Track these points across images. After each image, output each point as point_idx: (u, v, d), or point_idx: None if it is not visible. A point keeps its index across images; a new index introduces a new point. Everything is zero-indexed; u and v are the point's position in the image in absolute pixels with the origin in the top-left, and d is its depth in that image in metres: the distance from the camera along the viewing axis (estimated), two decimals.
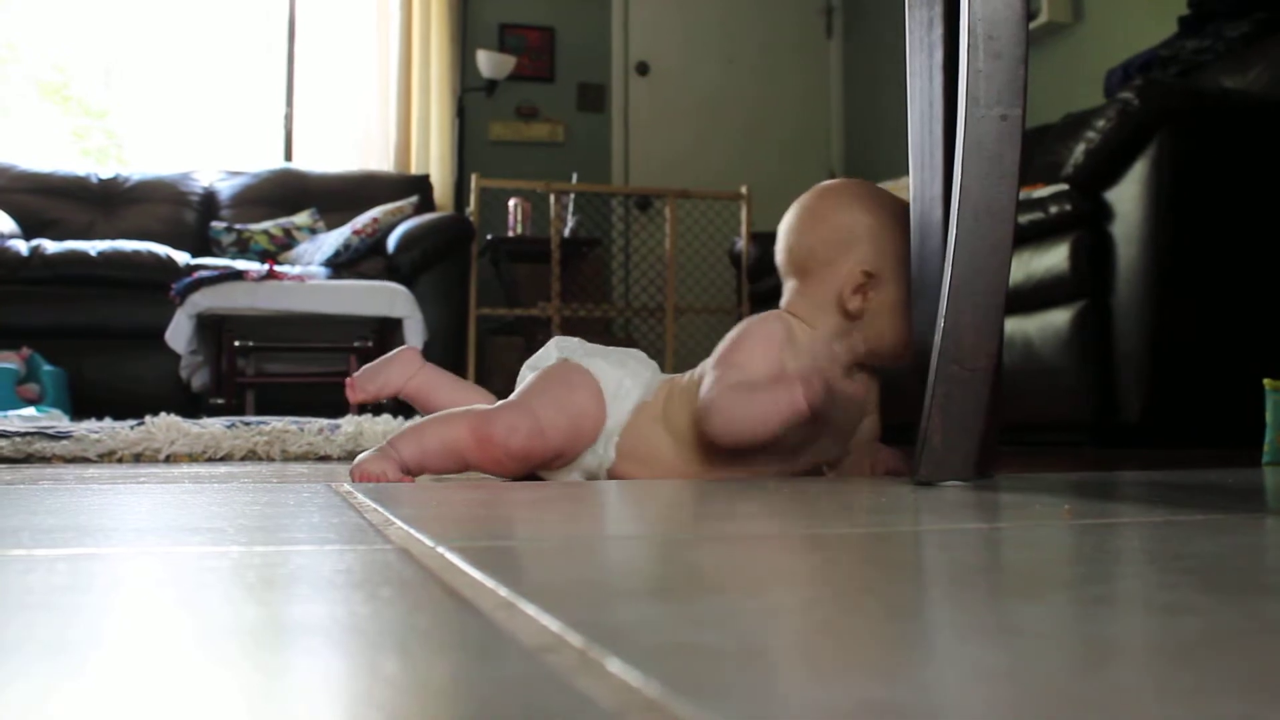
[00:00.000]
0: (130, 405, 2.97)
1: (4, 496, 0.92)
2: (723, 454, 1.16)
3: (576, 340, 1.31)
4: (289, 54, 5.07)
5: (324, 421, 2.11)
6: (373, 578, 0.48)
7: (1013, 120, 1.01)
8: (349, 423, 2.05)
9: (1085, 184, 2.49)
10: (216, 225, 4.38)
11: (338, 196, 4.58)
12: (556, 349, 1.29)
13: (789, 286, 1.24)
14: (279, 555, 0.55)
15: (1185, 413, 2.38)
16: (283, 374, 3.60)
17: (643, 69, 5.39)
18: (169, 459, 1.76)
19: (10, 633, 0.36)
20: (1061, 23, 4.00)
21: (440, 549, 0.55)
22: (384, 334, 3.48)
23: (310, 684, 0.31)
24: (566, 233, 4.47)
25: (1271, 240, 2.36)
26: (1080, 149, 2.49)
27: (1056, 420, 2.57)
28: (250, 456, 1.82)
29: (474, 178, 4.32)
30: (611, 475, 1.21)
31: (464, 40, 5.12)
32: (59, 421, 2.47)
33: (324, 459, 1.82)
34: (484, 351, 4.41)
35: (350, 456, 1.75)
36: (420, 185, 4.75)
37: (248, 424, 2.01)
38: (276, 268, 3.65)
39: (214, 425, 1.95)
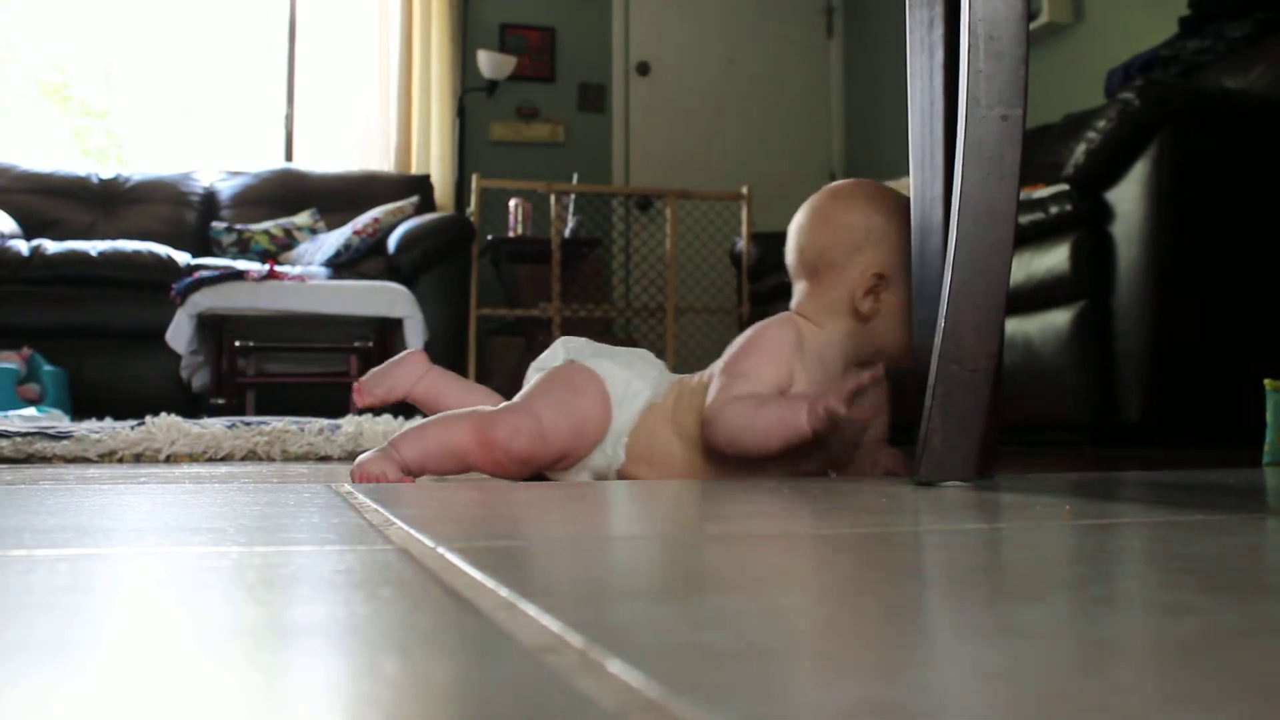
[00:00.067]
0: (131, 405, 2.97)
1: (5, 497, 0.92)
2: (730, 456, 1.16)
3: (583, 340, 1.30)
4: (289, 54, 5.07)
5: (324, 422, 2.11)
6: (373, 578, 0.48)
7: (1013, 120, 1.01)
8: (349, 423, 2.05)
9: (1086, 184, 2.49)
10: (217, 225, 4.38)
11: (338, 196, 4.58)
12: (563, 350, 1.28)
13: (799, 288, 1.24)
14: (279, 555, 0.55)
15: (1186, 413, 2.38)
16: (283, 374, 3.60)
17: (643, 69, 5.39)
18: (169, 459, 1.76)
19: (11, 633, 0.36)
20: (1062, 23, 4.00)
21: (440, 549, 0.55)
22: (384, 334, 3.48)
23: (310, 684, 0.31)
24: (567, 233, 4.48)
25: (1272, 240, 2.36)
26: (1081, 149, 2.49)
27: (1057, 420, 2.57)
28: (251, 457, 1.82)
29: (475, 178, 4.32)
30: (621, 476, 1.21)
31: (464, 40, 5.12)
32: (59, 422, 2.47)
33: (324, 459, 1.82)
34: (484, 352, 4.41)
35: (351, 457, 1.75)
36: (421, 185, 4.75)
37: (248, 424, 2.01)
38: (277, 268, 3.65)
39: (214, 425, 1.95)
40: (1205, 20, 2.94)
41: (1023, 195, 2.26)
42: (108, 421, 2.32)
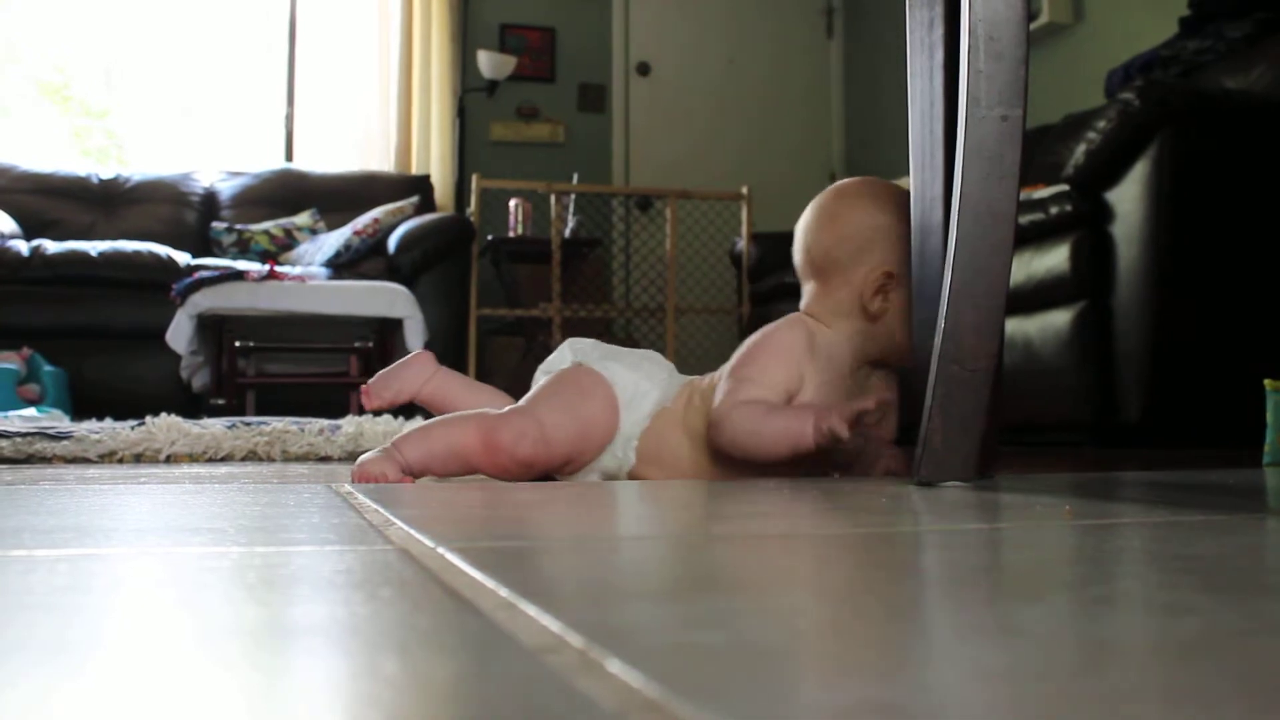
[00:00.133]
0: (131, 405, 2.97)
1: (5, 497, 0.92)
2: (736, 459, 1.16)
3: (590, 342, 1.29)
4: (290, 54, 5.07)
5: (324, 422, 2.11)
6: (373, 578, 0.48)
7: (1013, 121, 1.01)
8: (349, 423, 2.05)
9: (1086, 185, 2.49)
10: (217, 225, 4.39)
11: (338, 197, 4.58)
12: (571, 352, 1.28)
13: (807, 288, 1.24)
14: (279, 556, 0.55)
15: (1185, 413, 2.38)
16: (283, 374, 3.60)
17: (643, 69, 5.39)
18: (169, 459, 1.76)
19: (11, 633, 0.36)
20: (1062, 23, 4.00)
21: (441, 549, 0.55)
22: (384, 334, 3.48)
23: (311, 684, 0.31)
24: (567, 233, 4.48)
25: (1272, 240, 2.36)
26: (1081, 149, 2.49)
27: (1057, 420, 2.57)
28: (251, 457, 1.82)
29: (475, 178, 4.32)
30: (631, 478, 1.21)
31: (464, 40, 5.12)
32: (59, 422, 2.47)
33: (324, 460, 1.82)
34: (484, 352, 4.41)
35: (351, 457, 1.75)
36: (421, 186, 4.75)
37: (248, 424, 2.01)
38: (277, 268, 3.65)
39: (214, 426, 1.95)
40: (1205, 20, 2.94)
41: (1023, 195, 2.26)
42: (108, 422, 2.32)
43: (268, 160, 4.96)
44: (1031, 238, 2.58)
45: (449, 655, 0.33)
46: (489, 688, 0.29)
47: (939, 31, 1.11)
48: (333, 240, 4.19)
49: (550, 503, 0.90)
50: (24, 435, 1.80)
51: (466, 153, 5.01)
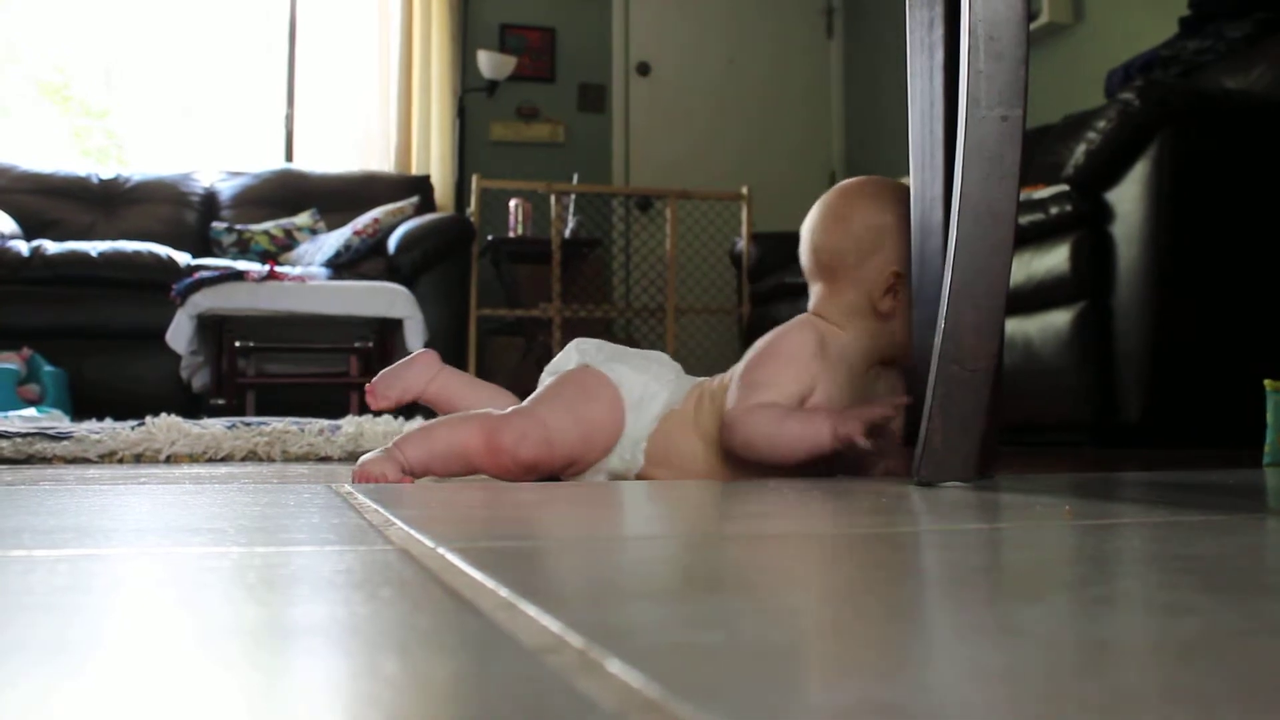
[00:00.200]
0: (131, 406, 2.97)
1: (5, 497, 0.92)
2: (749, 461, 1.16)
3: (596, 343, 1.29)
4: (290, 54, 5.07)
5: (324, 422, 2.11)
6: (373, 578, 0.48)
7: (1013, 121, 1.01)
8: (349, 424, 2.05)
9: (1086, 185, 2.49)
10: (217, 226, 4.39)
11: (338, 197, 4.58)
12: (577, 353, 1.27)
13: (816, 289, 1.23)
14: (279, 556, 0.55)
15: (1185, 413, 2.38)
16: (283, 374, 3.60)
17: (643, 69, 5.39)
18: (169, 460, 1.76)
19: (11, 633, 0.36)
20: (1062, 23, 4.00)
21: (441, 549, 0.55)
22: (384, 335, 3.48)
23: (311, 684, 0.31)
24: (567, 233, 4.48)
25: (1272, 241, 2.36)
26: (1081, 150, 2.49)
27: (1057, 420, 2.57)
28: (251, 457, 1.82)
29: (475, 178, 4.32)
30: (640, 479, 1.21)
31: (464, 40, 5.12)
32: (59, 422, 2.47)
33: (325, 460, 1.82)
34: (484, 352, 4.41)
35: (351, 457, 1.75)
36: (421, 186, 4.75)
37: (248, 425, 2.01)
38: (277, 268, 3.65)
39: (214, 426, 1.95)
40: (1205, 20, 2.94)
41: (1023, 196, 2.26)
42: (108, 422, 2.32)
43: (268, 160, 4.96)
44: (1031, 238, 2.58)
45: (449, 655, 0.33)
46: (489, 688, 0.29)
47: (939, 31, 1.11)
48: (333, 240, 4.19)
49: (550, 503, 0.90)
50: (24, 435, 1.80)
51: (466, 153, 5.01)
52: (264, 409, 3.38)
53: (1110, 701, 0.27)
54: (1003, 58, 1.01)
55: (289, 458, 1.83)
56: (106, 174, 4.57)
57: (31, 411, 2.92)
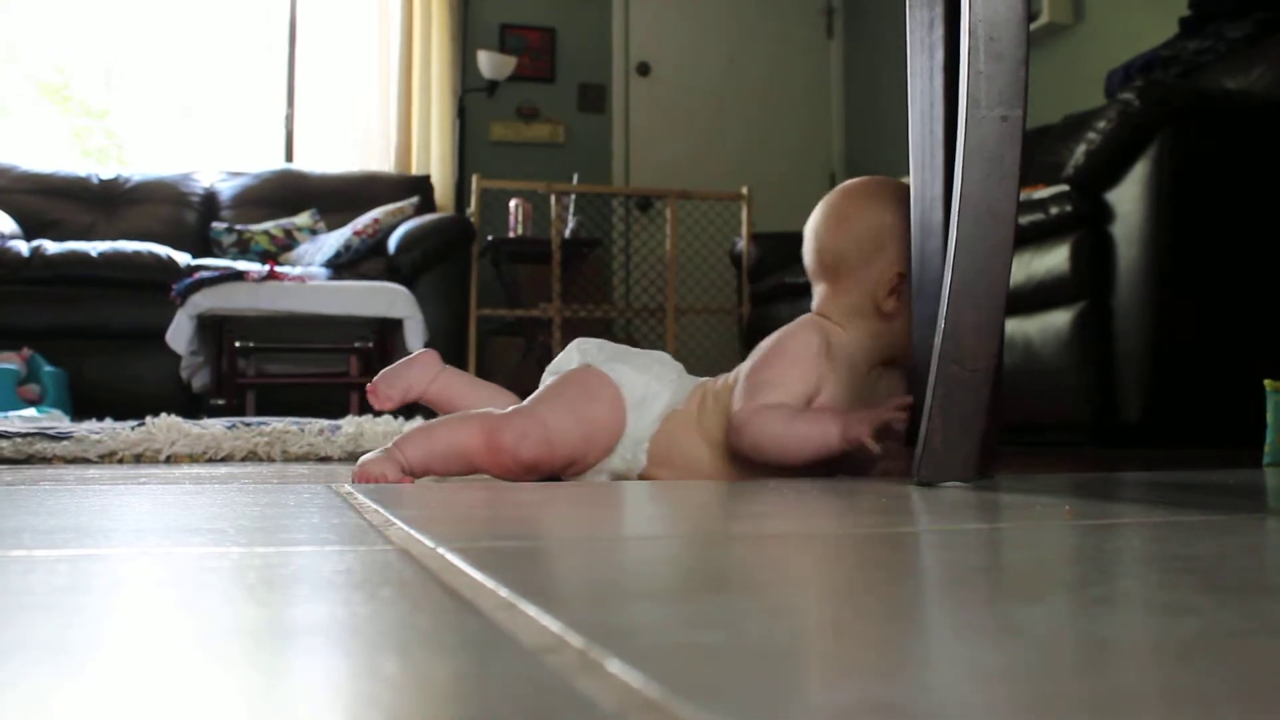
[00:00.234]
0: (131, 406, 2.97)
1: (5, 497, 0.92)
2: (759, 461, 1.16)
3: (598, 342, 1.29)
4: (290, 54, 5.07)
5: (324, 422, 2.11)
6: (373, 578, 0.48)
7: (1013, 121, 1.01)
8: (349, 424, 2.05)
9: (1086, 185, 2.49)
10: (217, 226, 4.39)
11: (338, 197, 4.58)
12: (578, 353, 1.27)
13: (819, 289, 1.24)
14: (279, 556, 0.55)
15: (1185, 413, 2.38)
16: (283, 375, 3.60)
17: (643, 69, 5.39)
18: (169, 460, 1.76)
19: (11, 633, 0.36)
20: (1062, 24, 4.00)
21: (440, 550, 0.55)
22: (384, 335, 3.48)
23: (311, 684, 0.31)
24: (567, 233, 4.48)
25: (1272, 241, 2.36)
26: (1081, 150, 2.49)
27: (1057, 420, 2.57)
28: (251, 457, 1.82)
29: (475, 178, 4.32)
30: (642, 479, 1.21)
31: (464, 40, 5.12)
32: (59, 422, 2.47)
33: (324, 460, 1.82)
34: (484, 352, 4.41)
35: (351, 457, 1.75)
36: (421, 186, 4.75)
37: (248, 425, 2.01)
38: (277, 268, 3.65)
39: (214, 426, 1.95)
40: (1205, 21, 2.94)
41: (1023, 196, 2.26)
42: (108, 422, 2.32)
43: (268, 160, 4.96)
44: (1031, 238, 2.58)
45: (449, 655, 0.33)
46: (489, 688, 0.29)
47: (939, 32, 1.11)
48: (333, 240, 4.19)
49: (550, 503, 0.90)
50: (24, 435, 1.80)
51: (466, 153, 5.01)
52: (264, 409, 3.38)
53: (1110, 701, 0.27)
54: (1003, 58, 1.01)
55: (289, 458, 1.83)
56: (106, 174, 4.57)
57: (31, 411, 2.92)
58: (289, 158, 5.02)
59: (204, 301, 3.31)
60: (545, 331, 4.24)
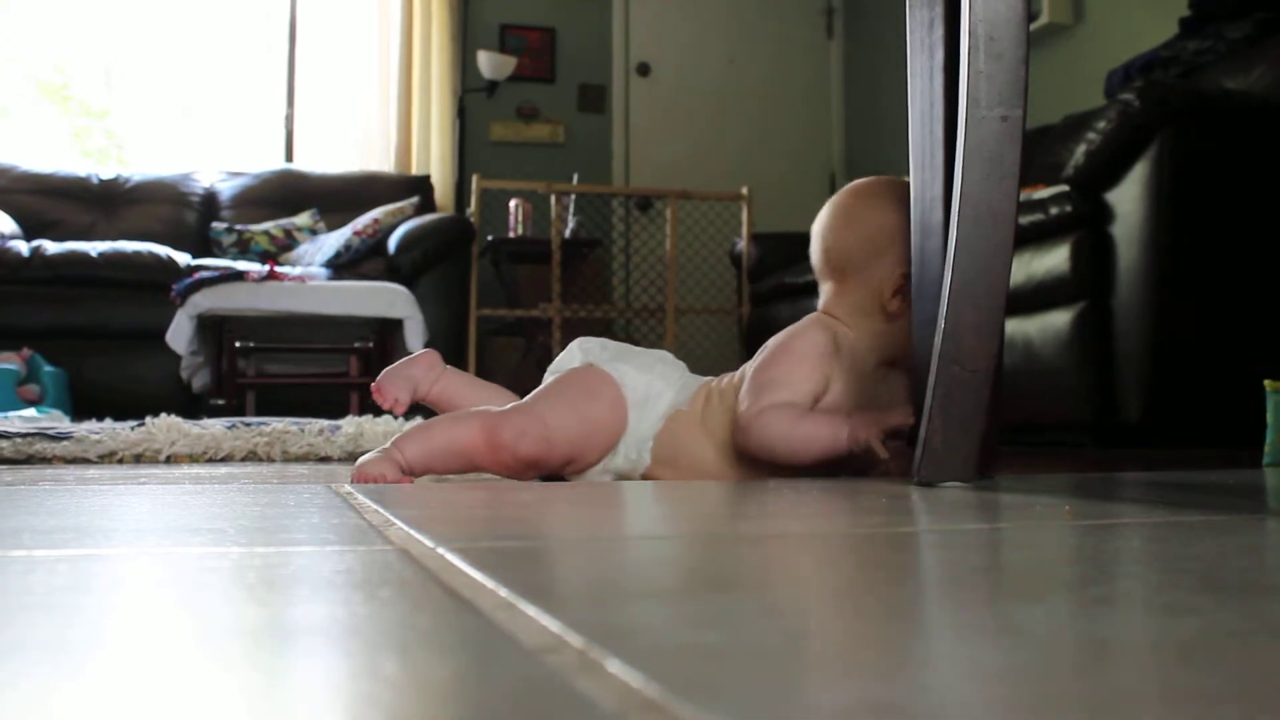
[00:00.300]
0: (131, 406, 2.97)
1: (5, 497, 0.92)
2: (764, 460, 1.17)
3: (600, 341, 1.29)
4: (290, 54, 5.07)
5: (324, 422, 2.11)
6: (373, 578, 0.48)
7: (1013, 121, 1.01)
8: (349, 424, 2.05)
9: (1086, 185, 2.49)
10: (217, 226, 4.38)
11: (338, 197, 4.58)
12: (580, 352, 1.28)
13: (826, 288, 1.24)
14: (279, 556, 0.55)
15: (1185, 413, 2.38)
16: (283, 375, 3.60)
17: (643, 70, 5.39)
18: (169, 460, 1.76)
19: (11, 633, 0.36)
20: (1062, 24, 4.00)
21: (440, 550, 0.55)
22: (384, 335, 3.48)
23: (310, 684, 0.31)
24: (567, 233, 4.48)
25: (1272, 241, 2.36)
26: (1081, 150, 2.49)
27: (1057, 421, 2.57)
28: (251, 457, 1.82)
29: (475, 178, 4.32)
30: (645, 479, 1.21)
31: (464, 41, 5.12)
32: (59, 422, 2.47)
33: (324, 460, 1.82)
34: (484, 352, 4.41)
35: (351, 457, 1.75)
36: (421, 186, 4.75)
37: (248, 425, 2.01)
38: (277, 268, 3.65)
39: (214, 426, 1.95)
40: (1205, 21, 2.94)
41: (1023, 196, 2.26)
42: (108, 422, 2.32)
43: (268, 160, 4.96)
44: (1031, 238, 2.58)
45: (449, 655, 0.33)
46: (489, 688, 0.29)
47: (939, 32, 1.11)
48: (333, 241, 4.19)
49: (550, 503, 0.90)
50: (24, 436, 1.80)
51: (466, 153, 5.01)
52: (264, 409, 3.38)
53: (1110, 701, 0.27)
54: (1003, 58, 1.01)
55: (289, 458, 1.83)
56: (106, 174, 4.57)
57: (31, 412, 2.92)
58: (289, 158, 5.02)
59: (204, 301, 3.31)
60: (545, 332, 4.24)
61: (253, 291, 3.36)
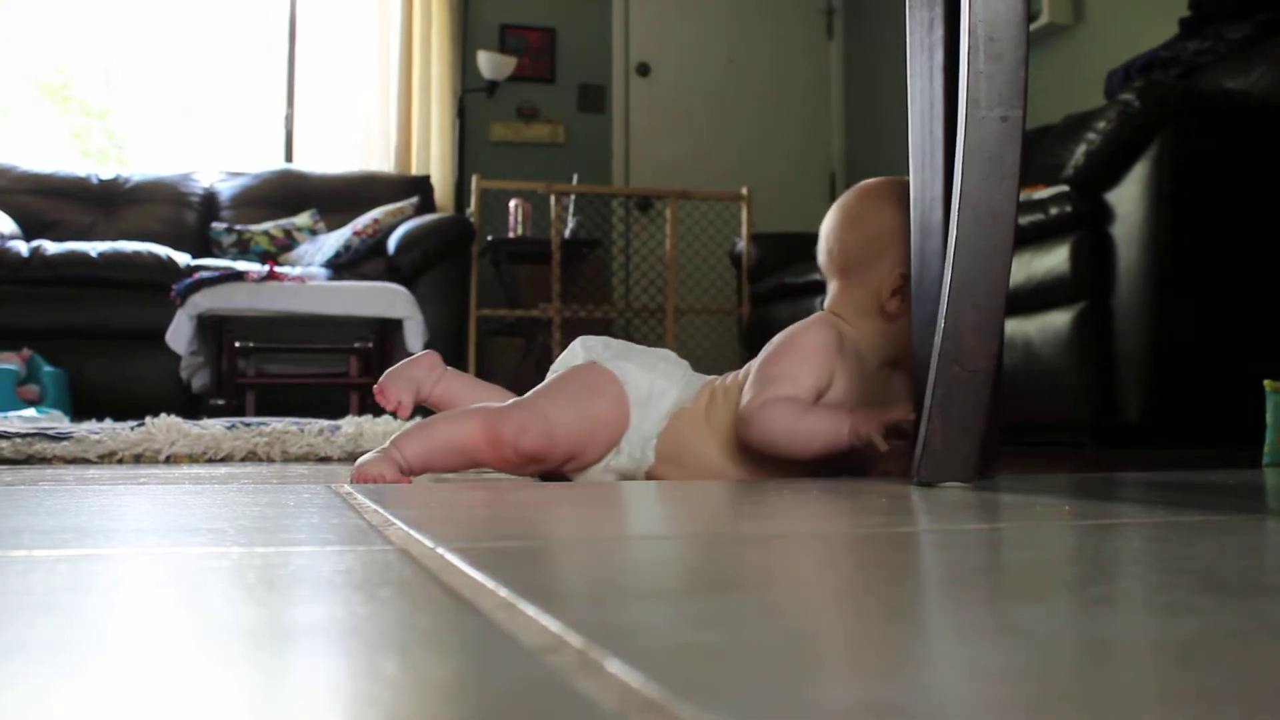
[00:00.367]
0: (131, 406, 2.97)
1: (4, 498, 0.92)
2: (768, 458, 1.17)
3: (603, 340, 1.30)
4: (290, 54, 5.07)
5: (324, 422, 2.11)
6: (372, 578, 0.48)
7: (1013, 121, 1.01)
8: (349, 424, 2.05)
9: (1086, 185, 2.49)
10: (217, 226, 4.38)
11: (338, 197, 4.58)
12: (583, 349, 1.28)
13: (832, 288, 1.25)
14: (279, 556, 0.55)
15: (1185, 413, 2.38)
16: (283, 375, 3.60)
17: (643, 70, 5.39)
18: (169, 460, 1.76)
19: (11, 633, 0.36)
20: (1062, 24, 4.00)
21: (440, 550, 0.55)
22: (384, 335, 3.48)
23: (310, 684, 0.31)
24: (567, 234, 4.48)
25: (1271, 241, 2.36)
26: (1081, 150, 2.49)
27: (1057, 420, 2.57)
28: (250, 457, 1.82)
29: (475, 178, 4.32)
30: (649, 478, 1.22)
31: (464, 41, 5.12)
32: (59, 422, 2.47)
33: (324, 460, 1.82)
34: (484, 352, 4.41)
35: (351, 458, 1.75)
36: (421, 186, 4.75)
37: (248, 425, 2.01)
38: (277, 269, 3.65)
39: (214, 426, 1.95)
40: (1205, 21, 2.94)
41: (1023, 196, 2.26)
42: (107, 422, 2.32)
43: (268, 161, 4.96)
44: (1031, 238, 2.58)
45: (449, 655, 0.33)
46: (489, 688, 0.29)
47: (939, 32, 1.11)
48: (332, 241, 4.19)
49: (550, 503, 0.90)
50: (24, 436, 1.80)
51: (466, 153, 5.01)
52: (264, 409, 3.38)
53: (1110, 701, 0.27)
54: (1002, 58, 1.01)
55: (289, 458, 1.83)
56: (106, 174, 4.57)
57: (31, 412, 2.92)
58: (289, 158, 5.02)
59: (204, 302, 3.31)
60: (545, 332, 4.24)
61: (253, 292, 3.36)
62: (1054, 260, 2.53)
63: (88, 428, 2.02)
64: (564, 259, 4.31)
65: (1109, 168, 2.43)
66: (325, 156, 4.94)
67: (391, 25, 5.02)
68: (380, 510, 0.77)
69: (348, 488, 1.02)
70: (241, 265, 3.86)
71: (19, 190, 4.35)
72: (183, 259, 3.97)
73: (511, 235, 4.56)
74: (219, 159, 4.98)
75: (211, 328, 3.42)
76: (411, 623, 0.38)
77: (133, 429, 1.87)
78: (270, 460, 1.80)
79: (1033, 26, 3.82)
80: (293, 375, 3.61)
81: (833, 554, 0.60)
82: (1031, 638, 0.35)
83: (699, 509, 0.88)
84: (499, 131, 5.21)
